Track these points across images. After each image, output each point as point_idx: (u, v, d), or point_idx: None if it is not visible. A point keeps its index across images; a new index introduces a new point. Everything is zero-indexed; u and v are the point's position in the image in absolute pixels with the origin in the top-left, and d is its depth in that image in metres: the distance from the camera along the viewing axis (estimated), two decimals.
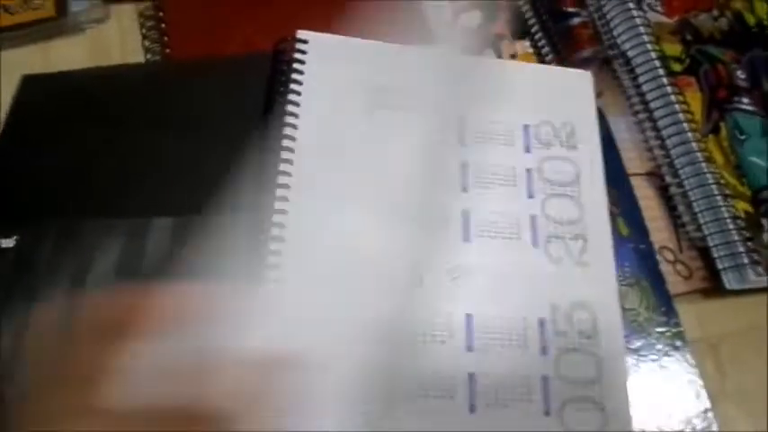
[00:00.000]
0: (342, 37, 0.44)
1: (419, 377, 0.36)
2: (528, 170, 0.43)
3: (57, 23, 0.49)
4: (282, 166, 0.39)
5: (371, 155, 0.41)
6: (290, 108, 0.41)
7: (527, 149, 0.44)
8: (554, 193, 0.42)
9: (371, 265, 0.37)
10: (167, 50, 0.48)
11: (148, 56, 0.49)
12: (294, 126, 0.40)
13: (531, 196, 0.42)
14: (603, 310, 0.39)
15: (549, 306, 0.39)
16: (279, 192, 0.38)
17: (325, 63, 0.43)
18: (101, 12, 0.50)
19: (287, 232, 0.37)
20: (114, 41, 0.50)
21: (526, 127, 0.44)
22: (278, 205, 0.38)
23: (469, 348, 0.37)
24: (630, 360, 0.41)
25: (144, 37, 0.50)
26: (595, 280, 0.40)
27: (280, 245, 0.37)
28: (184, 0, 0.50)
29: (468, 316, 0.38)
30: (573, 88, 0.47)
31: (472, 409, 0.36)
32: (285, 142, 0.40)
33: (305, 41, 0.43)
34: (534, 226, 0.41)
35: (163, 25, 0.49)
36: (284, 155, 0.39)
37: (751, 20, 0.55)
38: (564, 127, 0.45)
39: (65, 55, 0.49)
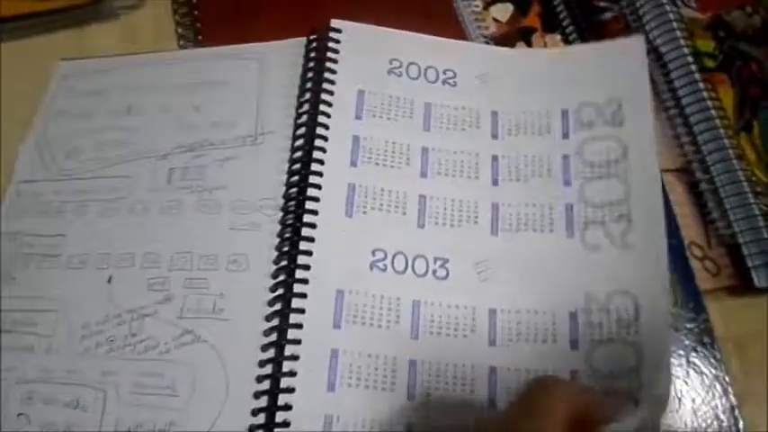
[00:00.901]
0: (375, 27, 0.44)
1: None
2: (565, 156, 0.42)
3: (91, 9, 0.49)
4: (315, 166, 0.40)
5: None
6: (324, 97, 0.41)
7: (565, 135, 0.43)
8: (595, 176, 0.42)
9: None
10: (200, 37, 0.49)
11: (181, 42, 0.50)
12: (328, 115, 0.41)
13: (567, 184, 0.42)
14: (647, 294, 0.38)
15: (583, 297, 0.38)
16: (312, 178, 0.39)
17: (360, 52, 0.43)
18: None
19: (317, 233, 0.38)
20: (147, 28, 0.51)
21: (564, 112, 0.44)
22: (311, 192, 0.38)
23: (492, 343, 0.37)
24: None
25: (177, 24, 0.50)
26: (640, 261, 0.39)
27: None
28: None
29: (492, 311, 0.38)
30: (621, 61, 0.46)
31: (492, 403, 0.36)
32: (319, 130, 0.40)
33: (339, 30, 0.43)
34: (569, 215, 0.40)
35: (196, 12, 0.49)
36: (318, 142, 0.40)
37: None
38: (609, 104, 0.44)
39: (99, 41, 0.50)
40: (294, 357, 0.35)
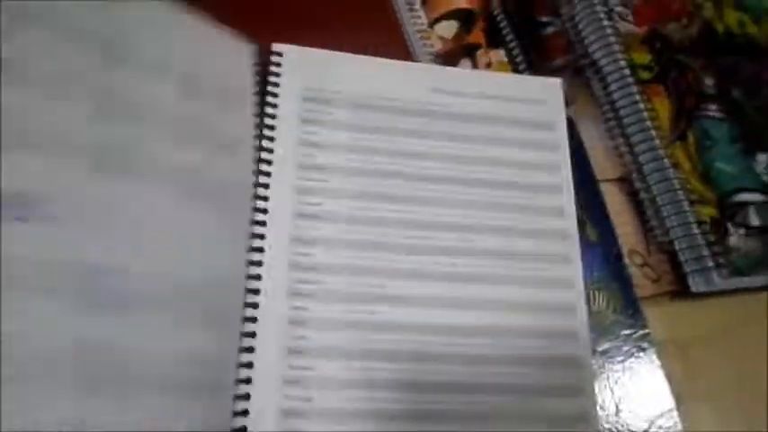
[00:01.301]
0: (317, 49, 0.45)
1: None
2: None
3: None
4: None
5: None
6: (267, 121, 0.42)
7: None
8: None
9: None
10: None
11: None
12: (271, 138, 0.42)
13: None
14: None
15: None
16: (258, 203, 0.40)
17: (301, 75, 0.44)
18: None
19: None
20: None
21: None
22: (257, 217, 0.40)
23: None
24: (598, 362, 0.43)
25: None
26: None
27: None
28: None
29: None
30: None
31: None
32: (263, 155, 0.41)
33: (280, 54, 0.44)
34: None
35: None
36: (262, 167, 0.41)
37: (720, 27, 0.57)
38: None
39: None
40: None
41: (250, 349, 0.36)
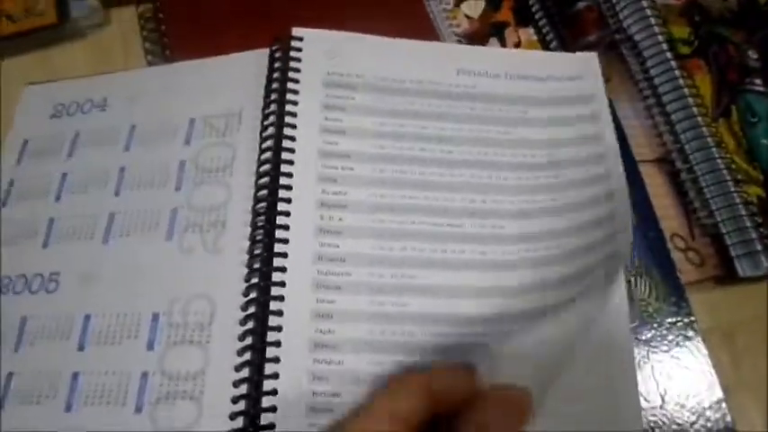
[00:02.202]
0: (338, 32, 0.44)
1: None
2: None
3: (58, 30, 0.49)
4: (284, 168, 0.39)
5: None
6: (288, 108, 0.41)
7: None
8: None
9: None
10: (167, 52, 0.48)
11: (149, 58, 0.49)
12: (294, 126, 0.40)
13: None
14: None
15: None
16: (282, 193, 0.38)
17: (321, 60, 0.42)
18: (101, 16, 0.50)
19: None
20: (116, 45, 0.50)
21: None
22: (281, 207, 0.38)
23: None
24: (641, 351, 0.41)
25: (144, 39, 0.50)
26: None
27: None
28: (183, 1, 0.50)
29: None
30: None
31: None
32: (286, 143, 0.40)
33: (300, 39, 0.43)
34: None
35: (162, 27, 0.49)
36: (285, 156, 0.39)
37: None
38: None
39: (67, 61, 0.49)
40: None
41: (277, 343, 0.35)
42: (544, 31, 0.52)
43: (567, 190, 0.41)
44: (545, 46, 0.52)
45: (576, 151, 0.43)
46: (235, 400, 0.35)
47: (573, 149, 0.43)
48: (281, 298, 0.36)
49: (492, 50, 0.50)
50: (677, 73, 0.48)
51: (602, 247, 0.39)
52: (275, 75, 0.42)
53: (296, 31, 0.43)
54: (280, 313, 0.36)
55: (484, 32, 0.53)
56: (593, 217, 0.40)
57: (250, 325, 0.36)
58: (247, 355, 0.36)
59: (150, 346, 0.37)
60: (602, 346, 0.38)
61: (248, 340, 0.36)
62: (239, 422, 0.34)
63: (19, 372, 0.38)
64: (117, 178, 0.42)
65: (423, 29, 0.51)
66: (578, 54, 0.48)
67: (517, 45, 0.52)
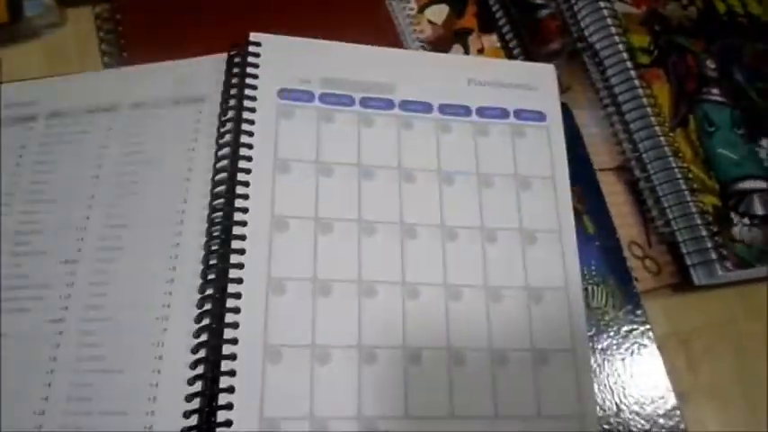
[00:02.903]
0: (296, 38, 0.43)
1: None
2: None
3: (10, 29, 0.47)
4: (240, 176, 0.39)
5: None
6: (245, 115, 0.40)
7: None
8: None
9: None
10: (124, 54, 0.47)
11: (105, 59, 0.48)
12: (251, 133, 0.40)
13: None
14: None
15: None
16: (237, 216, 0.38)
17: (281, 65, 0.42)
18: (56, 15, 0.49)
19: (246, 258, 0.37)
20: (71, 46, 0.49)
21: None
22: (237, 218, 0.37)
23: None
24: (597, 359, 0.41)
25: (101, 40, 0.49)
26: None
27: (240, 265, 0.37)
28: (141, 2, 0.49)
29: None
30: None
31: None
32: (242, 151, 0.39)
33: (258, 44, 0.42)
34: None
35: (120, 28, 0.48)
36: (242, 164, 0.39)
37: (721, 7, 0.55)
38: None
39: (20, 62, 0.48)
40: None
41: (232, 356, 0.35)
42: (507, 38, 0.52)
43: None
44: (508, 53, 0.52)
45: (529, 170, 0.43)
46: (187, 415, 0.34)
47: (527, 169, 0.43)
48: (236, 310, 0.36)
49: (445, 56, 0.50)
50: (636, 82, 0.48)
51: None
52: (233, 80, 0.41)
53: (254, 36, 0.42)
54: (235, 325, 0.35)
55: (448, 39, 0.52)
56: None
57: (204, 337, 0.36)
58: (200, 369, 0.35)
59: None
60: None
61: (201, 353, 0.35)
62: None
63: None
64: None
65: (386, 34, 0.51)
66: (535, 64, 0.48)
67: (480, 52, 0.52)
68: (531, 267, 0.40)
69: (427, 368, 0.37)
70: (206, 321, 0.35)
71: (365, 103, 0.42)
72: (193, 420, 0.33)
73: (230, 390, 0.33)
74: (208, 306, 0.36)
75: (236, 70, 0.42)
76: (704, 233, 0.45)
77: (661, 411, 0.41)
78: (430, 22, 0.53)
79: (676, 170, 0.46)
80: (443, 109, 0.44)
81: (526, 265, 0.40)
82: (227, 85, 0.42)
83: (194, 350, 0.35)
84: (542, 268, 0.40)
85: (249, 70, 0.41)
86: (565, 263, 0.41)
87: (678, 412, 0.41)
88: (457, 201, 0.41)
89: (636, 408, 0.41)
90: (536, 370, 0.38)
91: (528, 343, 0.39)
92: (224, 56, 0.43)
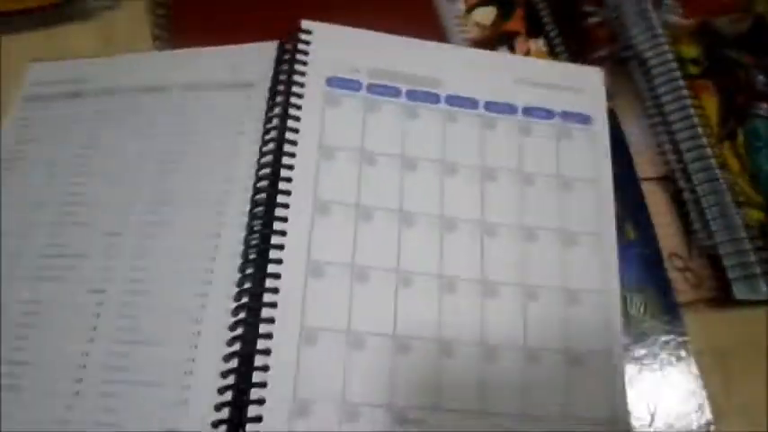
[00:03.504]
0: (347, 27, 0.44)
1: None
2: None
3: (65, 9, 0.48)
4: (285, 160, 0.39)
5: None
6: (293, 100, 0.40)
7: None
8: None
9: None
10: (175, 40, 0.48)
11: (157, 44, 0.49)
12: (297, 118, 0.40)
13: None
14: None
15: None
16: (281, 198, 0.38)
17: (331, 53, 0.42)
18: None
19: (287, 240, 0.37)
20: (123, 29, 0.50)
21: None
22: (280, 201, 0.38)
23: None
24: (633, 368, 0.40)
25: (154, 25, 0.50)
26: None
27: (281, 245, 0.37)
28: None
29: None
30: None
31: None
32: (288, 135, 0.39)
33: (309, 32, 0.43)
34: None
35: (172, 12, 0.49)
36: (287, 148, 0.39)
37: None
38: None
39: (72, 42, 0.49)
40: None
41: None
42: (554, 43, 0.52)
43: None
44: (554, 59, 0.52)
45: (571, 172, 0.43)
46: (221, 391, 0.34)
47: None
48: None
49: (493, 54, 0.50)
50: (684, 93, 0.48)
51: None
52: (283, 67, 0.42)
53: (305, 24, 0.43)
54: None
55: (494, 41, 0.52)
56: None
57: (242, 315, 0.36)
58: (236, 346, 0.35)
59: None
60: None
61: (239, 330, 0.35)
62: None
63: None
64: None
65: (432, 33, 0.51)
66: (584, 67, 0.48)
67: (526, 55, 0.52)
68: (569, 268, 0.40)
69: (460, 362, 0.36)
70: (245, 300, 0.36)
71: (412, 95, 0.42)
72: (227, 396, 0.33)
73: (265, 368, 0.34)
74: (247, 285, 0.36)
75: (286, 57, 0.42)
76: (748, 247, 0.44)
77: (695, 426, 0.40)
78: (477, 23, 0.53)
79: (722, 182, 0.45)
80: (489, 106, 0.44)
81: (564, 266, 0.40)
82: (277, 71, 0.42)
83: (232, 327, 0.35)
84: (581, 270, 0.40)
85: (299, 57, 0.41)
86: (603, 266, 0.40)
87: (713, 428, 0.40)
88: (498, 197, 0.41)
89: (670, 420, 0.40)
90: (569, 371, 0.37)
91: (562, 344, 0.38)
92: (275, 43, 0.44)
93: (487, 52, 0.50)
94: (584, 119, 0.44)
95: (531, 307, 0.38)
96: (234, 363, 0.34)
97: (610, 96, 0.49)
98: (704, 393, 0.41)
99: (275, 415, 0.33)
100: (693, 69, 0.49)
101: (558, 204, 0.41)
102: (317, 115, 0.40)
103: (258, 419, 0.33)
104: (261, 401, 0.33)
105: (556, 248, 0.40)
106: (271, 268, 0.36)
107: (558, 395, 0.37)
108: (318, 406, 0.33)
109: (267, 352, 0.34)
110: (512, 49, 0.52)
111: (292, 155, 0.39)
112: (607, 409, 0.37)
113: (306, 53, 0.42)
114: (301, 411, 0.33)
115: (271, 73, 0.42)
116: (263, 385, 0.33)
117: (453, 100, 0.43)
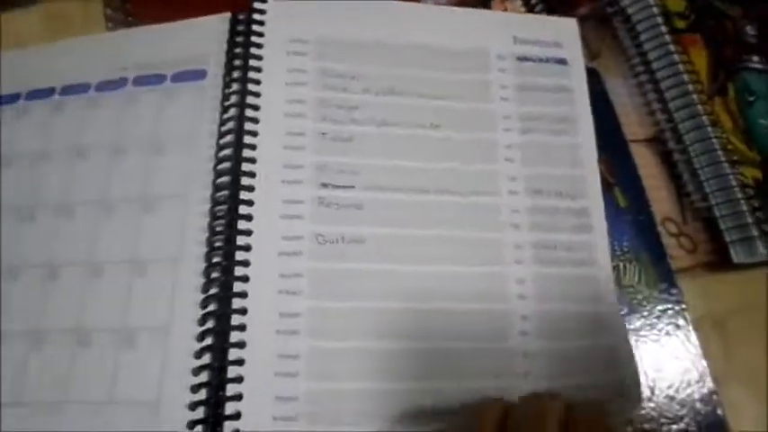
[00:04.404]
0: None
1: None
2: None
3: None
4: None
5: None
6: (251, 75, 0.38)
7: None
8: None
9: None
10: (129, 18, 0.45)
11: (110, 24, 0.46)
12: (257, 94, 0.37)
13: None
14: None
15: None
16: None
17: (286, 24, 0.40)
18: None
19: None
20: (74, 11, 0.47)
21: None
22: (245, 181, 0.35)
23: None
24: (631, 340, 0.39)
25: (105, 4, 0.47)
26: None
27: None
28: None
29: None
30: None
31: None
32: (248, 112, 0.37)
33: (264, 1, 0.40)
34: None
35: None
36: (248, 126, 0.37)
37: None
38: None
39: (19, 27, 0.46)
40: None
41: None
42: (533, 2, 0.49)
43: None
44: None
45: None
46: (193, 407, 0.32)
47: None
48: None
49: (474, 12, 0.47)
50: (672, 48, 0.45)
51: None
52: (238, 39, 0.39)
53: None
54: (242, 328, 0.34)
55: (470, 1, 0.50)
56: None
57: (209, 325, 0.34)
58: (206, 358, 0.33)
59: None
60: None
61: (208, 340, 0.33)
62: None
63: None
64: None
65: None
66: (558, 18, 0.45)
67: None
68: None
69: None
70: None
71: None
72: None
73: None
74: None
75: (240, 28, 0.40)
76: (744, 208, 0.42)
77: (697, 396, 0.38)
78: None
79: (714, 141, 0.43)
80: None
81: None
82: (231, 44, 0.40)
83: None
84: None
85: (255, 28, 0.39)
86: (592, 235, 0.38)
87: (715, 397, 0.38)
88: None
89: (671, 392, 0.38)
90: None
91: None
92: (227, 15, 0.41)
93: (461, 9, 0.47)
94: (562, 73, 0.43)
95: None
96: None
97: (593, 55, 0.47)
98: (704, 362, 0.39)
99: None
100: (680, 23, 0.47)
101: None
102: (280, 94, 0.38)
103: None
104: None
105: None
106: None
107: None
108: None
109: None
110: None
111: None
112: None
113: (262, 23, 0.39)
114: None
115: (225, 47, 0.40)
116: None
117: None
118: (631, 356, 0.37)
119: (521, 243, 0.38)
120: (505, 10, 0.49)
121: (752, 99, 0.46)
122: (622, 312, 0.39)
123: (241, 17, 0.41)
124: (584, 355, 0.36)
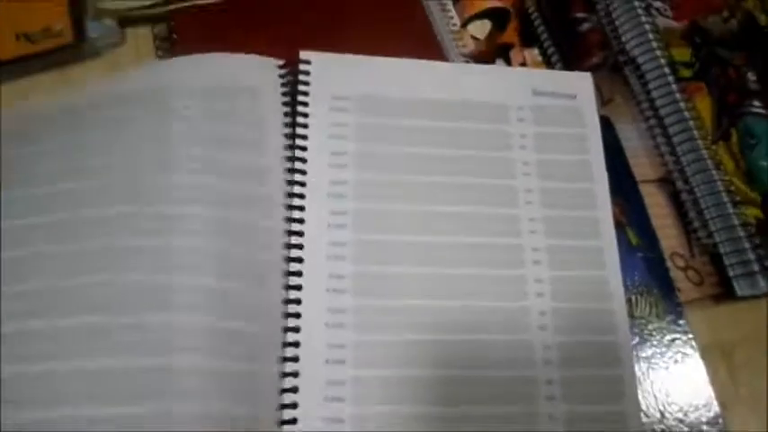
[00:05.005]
0: (345, 55, 0.45)
1: None
2: None
3: (75, 49, 0.50)
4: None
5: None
6: (299, 131, 0.42)
7: None
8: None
9: None
10: None
11: None
12: (304, 149, 0.42)
13: None
14: None
15: None
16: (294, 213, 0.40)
17: (330, 82, 0.44)
18: (117, 35, 0.51)
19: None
20: (130, 64, 0.51)
21: None
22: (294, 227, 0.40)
23: None
24: (641, 368, 0.42)
25: (159, 59, 0.51)
26: None
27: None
28: (196, 20, 0.51)
29: None
30: None
31: None
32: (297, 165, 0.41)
33: (308, 62, 0.44)
34: None
35: (176, 47, 0.50)
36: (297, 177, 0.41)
37: (762, 19, 0.55)
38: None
39: (84, 79, 0.50)
40: None
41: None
42: (549, 51, 0.54)
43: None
44: (550, 66, 0.53)
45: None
46: None
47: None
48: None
49: (496, 68, 0.51)
50: (678, 96, 0.49)
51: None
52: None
53: (303, 55, 0.44)
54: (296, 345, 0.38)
55: (490, 53, 0.54)
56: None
57: None
58: None
59: None
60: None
61: None
62: None
63: None
64: None
65: (430, 50, 0.52)
66: (573, 73, 0.49)
67: (522, 65, 0.53)
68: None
69: None
70: None
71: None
72: None
73: None
74: None
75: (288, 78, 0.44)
76: (746, 245, 0.45)
77: (704, 419, 0.42)
78: (473, 37, 0.54)
79: (718, 182, 0.47)
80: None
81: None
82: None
83: None
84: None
85: (301, 88, 0.43)
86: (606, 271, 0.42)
87: (721, 421, 0.42)
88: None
89: (679, 415, 0.42)
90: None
91: None
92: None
93: (475, 66, 0.51)
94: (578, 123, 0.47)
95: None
96: None
97: (605, 101, 0.50)
98: (711, 387, 0.43)
99: None
100: (685, 72, 0.51)
101: None
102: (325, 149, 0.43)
103: None
104: None
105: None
106: None
107: None
108: None
109: None
110: (508, 61, 0.54)
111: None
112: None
113: (307, 83, 0.44)
114: None
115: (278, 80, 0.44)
116: None
117: None
118: (634, 388, 0.40)
119: (542, 278, 0.42)
120: (524, 61, 0.53)
121: (753, 142, 0.49)
122: (634, 342, 0.42)
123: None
124: (596, 384, 0.40)
